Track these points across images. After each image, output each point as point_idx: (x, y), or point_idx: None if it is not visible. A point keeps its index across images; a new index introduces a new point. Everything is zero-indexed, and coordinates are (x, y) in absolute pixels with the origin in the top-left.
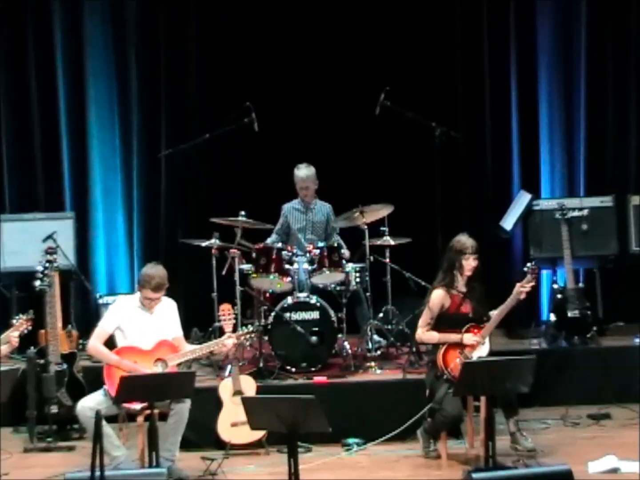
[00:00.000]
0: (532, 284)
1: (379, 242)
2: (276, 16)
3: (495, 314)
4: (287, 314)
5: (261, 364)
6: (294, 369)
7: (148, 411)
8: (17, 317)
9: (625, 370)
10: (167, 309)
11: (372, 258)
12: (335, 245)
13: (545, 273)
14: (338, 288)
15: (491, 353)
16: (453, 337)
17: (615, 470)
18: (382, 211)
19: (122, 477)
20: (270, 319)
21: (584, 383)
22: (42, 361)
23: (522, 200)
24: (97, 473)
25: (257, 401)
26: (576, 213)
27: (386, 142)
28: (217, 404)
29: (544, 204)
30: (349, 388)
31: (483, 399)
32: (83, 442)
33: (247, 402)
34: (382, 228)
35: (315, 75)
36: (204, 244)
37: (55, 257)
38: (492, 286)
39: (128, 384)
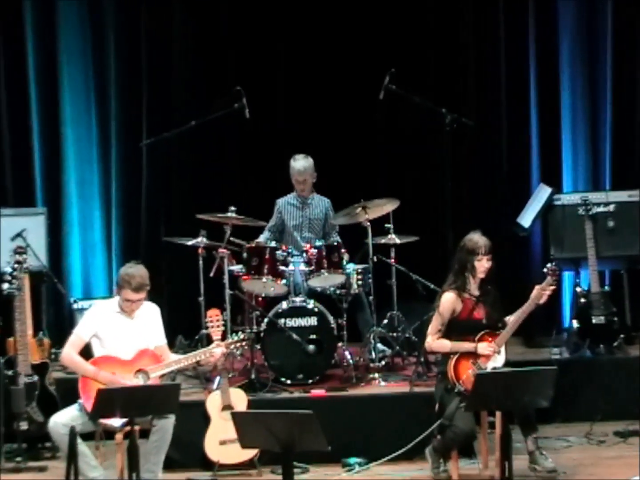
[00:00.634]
0: (553, 287)
1: (383, 241)
2: None
3: (511, 320)
4: (282, 320)
5: (253, 376)
6: (289, 381)
7: (128, 428)
8: None
9: None
10: (149, 315)
11: (375, 258)
12: (335, 244)
13: (567, 275)
14: (338, 292)
15: (507, 363)
16: (465, 345)
17: None
18: (386, 207)
19: None
20: (263, 326)
21: (610, 396)
22: (10, 372)
23: (541, 194)
24: None
25: (248, 417)
26: (601, 209)
27: (391, 131)
28: (205, 420)
29: (566, 198)
30: (350, 402)
31: (498, 414)
32: (56, 462)
33: (237, 418)
34: (386, 225)
35: (314, 56)
36: (190, 242)
37: (25, 257)
38: (508, 289)
39: (106, 397)
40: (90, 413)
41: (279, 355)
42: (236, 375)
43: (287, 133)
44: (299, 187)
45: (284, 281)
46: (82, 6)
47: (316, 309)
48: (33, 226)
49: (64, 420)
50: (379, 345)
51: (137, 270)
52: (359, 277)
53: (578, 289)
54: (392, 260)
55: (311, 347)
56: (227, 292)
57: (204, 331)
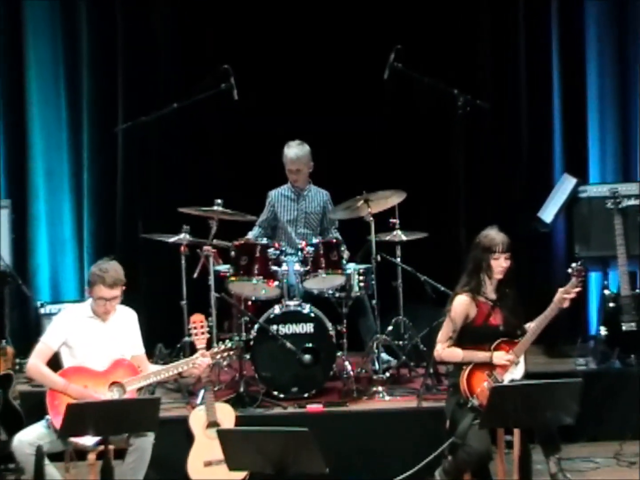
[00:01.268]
0: (578, 289)
1: (387, 238)
2: None
3: (532, 326)
4: (274, 327)
5: (242, 389)
6: (282, 395)
7: (101, 447)
8: None
9: None
10: (126, 321)
11: (379, 257)
12: (334, 241)
13: (593, 276)
14: (337, 294)
15: (527, 375)
16: (480, 355)
17: None
18: (391, 199)
19: None
20: (253, 333)
21: None
22: None
23: (565, 186)
24: None
25: (236, 435)
26: (632, 202)
27: (397, 115)
28: (188, 438)
29: (593, 190)
30: (350, 418)
31: (517, 432)
32: None
33: (224, 436)
34: (391, 220)
35: (311, 30)
36: (171, 239)
37: None
38: (528, 293)
39: (76, 413)
40: (59, 431)
41: (271, 366)
42: (223, 388)
43: (281, 117)
44: (292, 177)
45: (276, 283)
46: None
47: (313, 314)
48: None
49: (30, 438)
50: (383, 355)
51: (111, 265)
52: (361, 278)
53: (606, 292)
54: (398, 259)
55: (307, 356)
56: (213, 295)
57: (186, 339)
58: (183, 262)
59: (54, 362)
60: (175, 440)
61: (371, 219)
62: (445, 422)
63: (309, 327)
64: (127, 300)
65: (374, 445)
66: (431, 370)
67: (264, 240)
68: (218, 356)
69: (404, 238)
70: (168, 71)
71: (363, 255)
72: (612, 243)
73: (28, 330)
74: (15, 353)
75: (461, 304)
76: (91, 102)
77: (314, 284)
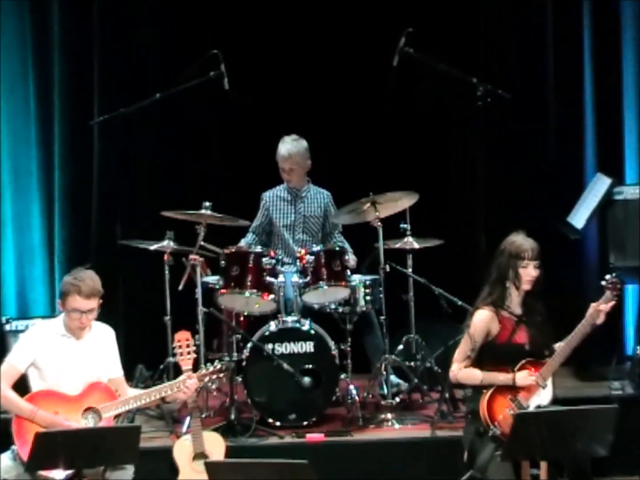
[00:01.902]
0: (613, 304)
1: (397, 245)
2: None
3: (561, 345)
4: (269, 346)
5: (233, 416)
6: (278, 423)
7: None
8: None
9: None
10: (102, 339)
11: (388, 267)
12: (337, 249)
13: (630, 288)
14: (341, 309)
15: (555, 401)
16: (502, 377)
17: None
18: (402, 202)
19: None
20: (246, 353)
21: None
22: None
23: (598, 187)
24: None
25: (226, 467)
26: None
27: (407, 107)
28: (171, 471)
29: (629, 191)
30: (355, 449)
31: (544, 465)
32: None
33: (212, 469)
34: (402, 225)
35: (311, 12)
36: (153, 247)
37: None
38: (557, 307)
39: (46, 443)
40: (26, 463)
41: (266, 389)
42: (211, 415)
43: (278, 109)
44: (285, 177)
45: (272, 296)
46: None
47: (313, 332)
48: None
49: None
50: (393, 378)
51: (87, 274)
52: (367, 291)
53: None
54: (409, 269)
55: (306, 379)
56: (200, 309)
57: (170, 359)
58: (167, 272)
59: (21, 386)
60: (158, 473)
61: (379, 224)
62: (463, 454)
63: (308, 346)
64: (103, 316)
65: (382, 479)
66: (447, 395)
67: (258, 248)
68: (206, 379)
69: (416, 246)
70: (150, 58)
71: (370, 265)
72: None
73: None
74: None
75: (482, 319)
76: (63, 92)
77: (314, 298)
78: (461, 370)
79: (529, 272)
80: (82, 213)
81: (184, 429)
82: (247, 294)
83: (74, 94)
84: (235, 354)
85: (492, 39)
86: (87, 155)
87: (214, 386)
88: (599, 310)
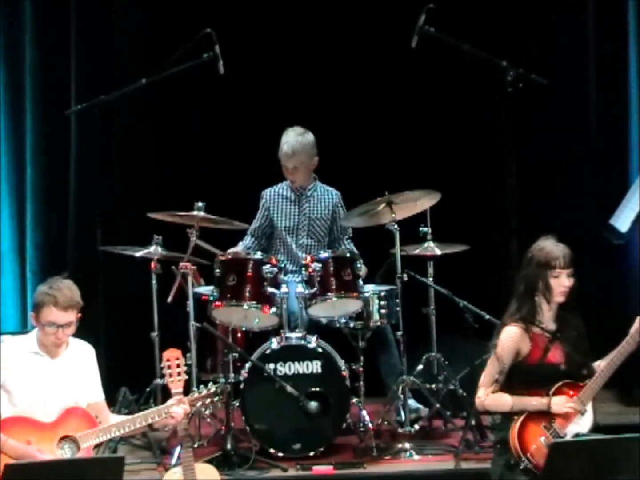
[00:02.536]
0: None
1: (416, 252)
2: None
3: (602, 366)
4: (271, 366)
5: (229, 446)
6: (280, 453)
7: None
8: None
9: None
10: (80, 358)
11: (405, 276)
12: (348, 255)
13: None
14: (352, 324)
15: (596, 428)
16: (535, 402)
17: None
18: (421, 202)
19: None
20: (244, 374)
21: None
22: None
23: None
24: None
25: None
26: None
27: (427, 94)
28: None
29: None
30: None
31: None
32: None
33: None
34: (422, 229)
35: None
36: (139, 253)
37: None
38: (597, 321)
39: (17, 476)
40: None
41: (267, 416)
42: (205, 444)
43: (280, 96)
44: (289, 177)
45: (273, 309)
46: None
47: (320, 350)
48: None
49: None
50: (411, 402)
51: (65, 283)
52: (382, 303)
53: None
54: (430, 279)
55: (313, 404)
56: (192, 324)
57: (158, 381)
58: (154, 282)
59: None
60: None
61: (395, 227)
62: None
63: (315, 366)
64: (82, 331)
65: None
66: (473, 422)
67: (258, 254)
68: (199, 403)
69: (437, 252)
70: (135, 38)
71: (385, 273)
72: None
73: None
74: None
75: (510, 338)
76: (36, 78)
77: (321, 311)
78: (489, 396)
79: (561, 282)
80: (57, 215)
81: (174, 460)
82: (245, 306)
83: (48, 80)
84: (231, 375)
85: (525, 17)
86: (63, 149)
87: (207, 412)
88: None
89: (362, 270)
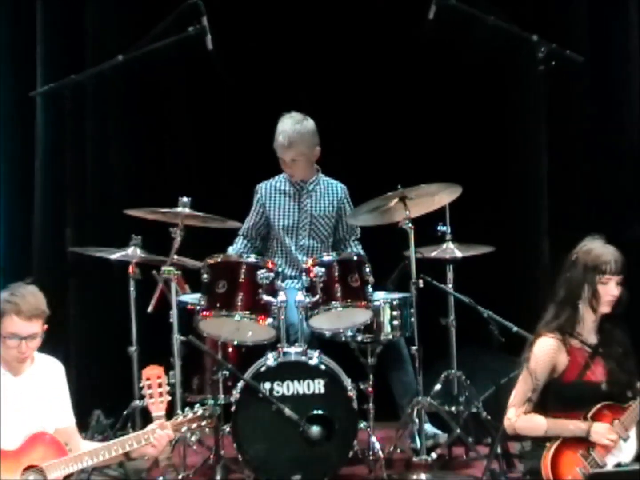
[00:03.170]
0: None
1: (434, 254)
2: None
3: None
4: (267, 385)
5: (219, 477)
6: None
7: None
8: None
9: None
10: (47, 376)
11: (421, 282)
12: (355, 258)
13: None
14: (360, 337)
15: (639, 457)
16: (573, 426)
17: None
18: (440, 197)
19: None
20: (236, 395)
21: None
22: None
23: None
24: None
25: None
26: None
27: (444, 73)
28: None
29: None
30: None
31: None
32: None
33: None
34: (440, 228)
35: None
36: (114, 255)
37: None
38: None
39: None
40: None
41: (262, 442)
42: (191, 475)
43: (276, 77)
44: (287, 170)
45: (269, 320)
46: None
47: (323, 367)
48: None
49: None
50: (428, 427)
51: (29, 290)
52: (395, 313)
53: None
54: (450, 285)
55: (315, 429)
56: (176, 337)
57: (137, 403)
58: (132, 289)
59: None
60: None
61: (410, 225)
62: None
63: (317, 386)
64: (49, 346)
65: None
66: (499, 450)
67: (252, 257)
68: (184, 428)
69: (458, 254)
70: (110, 10)
71: (398, 279)
72: None
73: None
74: None
75: (545, 351)
76: None
77: (325, 322)
78: (520, 418)
79: (609, 289)
80: (21, 212)
81: None
82: (237, 317)
83: (9, 57)
84: (221, 396)
85: None
86: (28, 136)
87: (194, 438)
88: None
89: (371, 277)
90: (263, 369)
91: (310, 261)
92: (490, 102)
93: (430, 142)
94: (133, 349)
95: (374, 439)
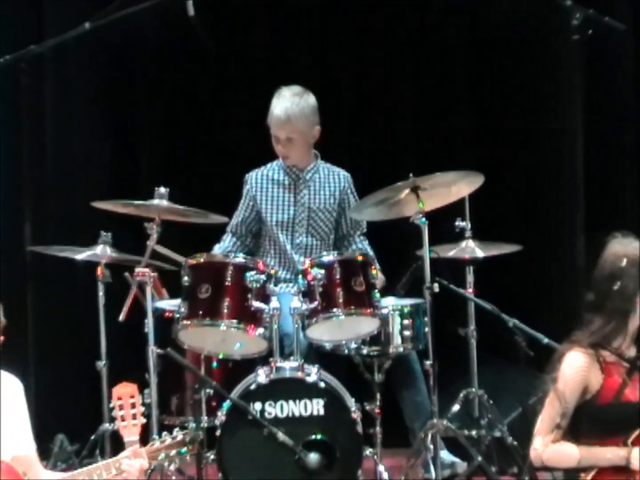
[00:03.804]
0: None
1: (452, 254)
2: None
3: None
4: (257, 406)
5: None
6: None
7: None
8: None
9: None
10: (4, 396)
11: (437, 287)
12: (360, 258)
13: None
14: (365, 350)
15: None
16: (610, 454)
17: None
18: (458, 188)
19: None
20: (221, 417)
21: None
22: None
23: None
24: None
25: None
26: None
27: (464, 44)
28: None
29: None
30: None
31: None
32: None
33: None
34: (458, 223)
35: None
36: (80, 255)
37: None
38: None
39: None
40: None
41: (252, 471)
42: None
43: (269, 49)
44: (281, 150)
45: (260, 330)
46: None
47: (323, 385)
48: None
49: None
50: (445, 454)
51: None
52: (406, 322)
53: None
54: (469, 289)
55: (313, 456)
56: (152, 350)
57: (106, 426)
58: (101, 293)
59: None
60: None
61: (424, 220)
62: None
63: (316, 407)
64: (5, 361)
65: None
66: None
67: (239, 258)
68: (161, 456)
69: (479, 254)
70: None
71: (410, 283)
72: None
73: None
74: None
75: (576, 368)
76: None
77: (325, 333)
78: (548, 448)
79: None
80: None
81: None
82: (222, 326)
83: None
84: (204, 419)
85: None
86: None
87: (172, 467)
88: None
89: (379, 278)
90: (253, 387)
91: (307, 262)
92: (516, 77)
93: (447, 124)
94: (102, 363)
95: (381, 468)
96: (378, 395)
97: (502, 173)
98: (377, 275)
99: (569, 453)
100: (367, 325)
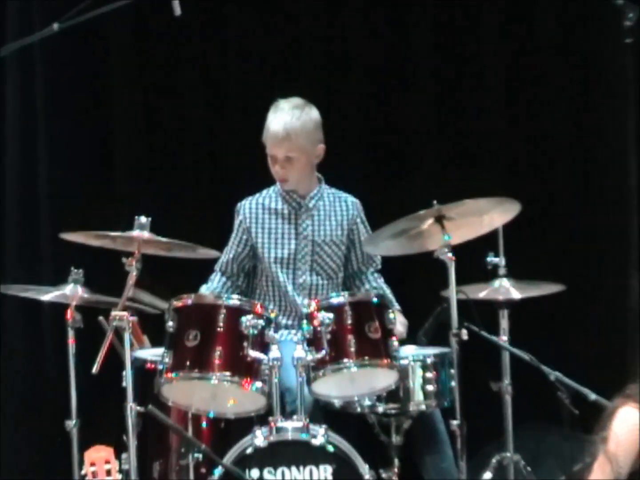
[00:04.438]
0: None
1: (483, 294)
2: None
3: None
4: (254, 473)
5: None
6: None
7: None
8: None
9: None
10: None
11: (465, 333)
12: (374, 299)
13: None
14: (382, 409)
15: None
16: None
17: None
18: (490, 218)
19: None
20: None
21: None
22: None
23: None
24: None
25: None
26: None
27: (498, 44)
28: None
29: None
30: None
31: None
32: None
33: None
34: (490, 259)
35: None
36: (47, 296)
37: None
38: None
39: None
40: None
41: None
42: None
43: (266, 51)
44: (278, 172)
45: (258, 384)
46: None
47: (331, 448)
48: None
49: None
50: None
51: None
52: (429, 375)
53: None
54: (504, 337)
55: None
56: (131, 407)
57: None
58: (71, 341)
59: None
60: None
61: (450, 255)
62: None
63: (324, 474)
64: None
65: None
66: None
67: (234, 299)
68: None
69: (515, 295)
70: None
71: (433, 329)
72: None
73: None
74: None
75: (631, 426)
76: None
77: (333, 387)
78: None
79: None
80: None
81: None
82: (213, 379)
83: None
84: None
85: None
86: None
87: None
88: None
89: (398, 323)
90: (249, 450)
91: (313, 304)
92: (559, 85)
93: (477, 142)
94: (72, 423)
95: None
96: (396, 461)
97: (541, 201)
98: (396, 319)
99: None
100: (383, 378)
